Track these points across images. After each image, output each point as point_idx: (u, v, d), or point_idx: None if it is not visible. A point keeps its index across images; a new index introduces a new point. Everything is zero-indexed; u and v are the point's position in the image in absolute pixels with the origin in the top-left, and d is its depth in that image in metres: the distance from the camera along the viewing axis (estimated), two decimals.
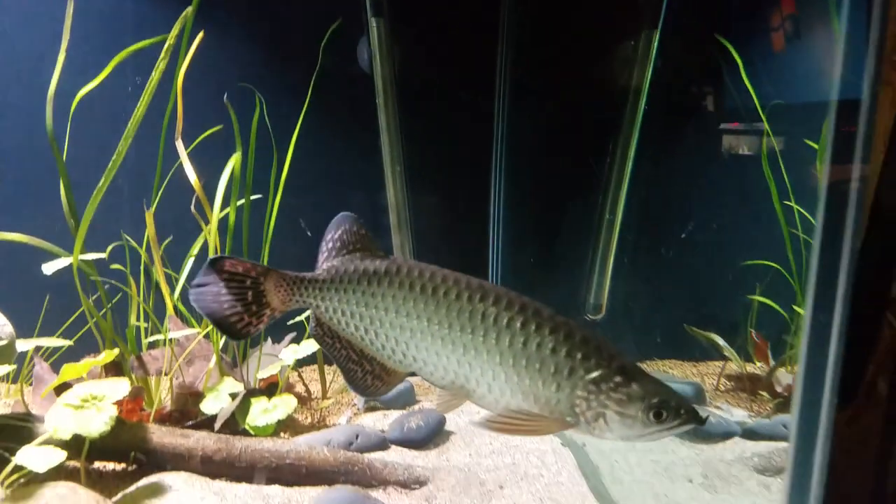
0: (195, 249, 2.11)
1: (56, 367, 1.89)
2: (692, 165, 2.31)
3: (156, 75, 1.63)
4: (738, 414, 2.10)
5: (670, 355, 2.56)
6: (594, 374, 1.03)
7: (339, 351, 1.17)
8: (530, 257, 2.45)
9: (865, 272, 1.07)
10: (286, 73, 2.20)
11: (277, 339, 2.22)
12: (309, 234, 2.44)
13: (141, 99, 1.62)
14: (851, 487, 1.12)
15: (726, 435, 1.94)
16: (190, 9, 1.73)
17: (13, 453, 1.45)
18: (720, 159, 2.28)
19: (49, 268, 1.68)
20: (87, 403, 1.49)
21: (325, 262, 1.18)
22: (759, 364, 2.30)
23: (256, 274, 1.14)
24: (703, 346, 2.31)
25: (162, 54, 1.64)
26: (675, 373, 2.48)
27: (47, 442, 1.48)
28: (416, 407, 2.21)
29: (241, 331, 1.15)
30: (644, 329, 2.44)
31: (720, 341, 2.25)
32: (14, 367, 1.60)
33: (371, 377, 1.17)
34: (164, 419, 1.83)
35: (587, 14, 2.32)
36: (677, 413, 1.03)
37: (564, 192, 2.46)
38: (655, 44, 2.23)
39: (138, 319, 1.92)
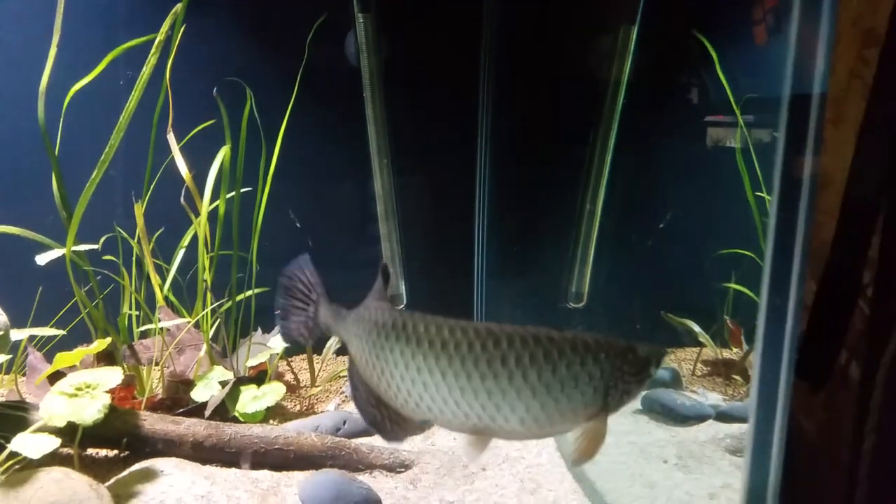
0: (186, 240, 2.16)
1: (49, 357, 1.94)
2: (670, 157, 2.37)
3: (146, 70, 1.67)
4: (712, 398, 2.17)
5: (649, 341, 2.63)
6: (614, 364, 1.08)
7: (358, 391, 1.18)
8: (514, 247, 2.50)
9: (837, 258, 1.11)
10: (275, 66, 2.23)
11: (267, 329, 2.28)
12: (298, 225, 2.49)
13: (132, 93, 1.66)
14: (807, 462, 1.18)
15: (700, 418, 2.01)
16: (180, 5, 1.76)
17: (8, 441, 1.50)
18: (697, 151, 2.34)
19: (42, 258, 1.72)
20: (80, 392, 1.54)
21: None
22: (734, 349, 2.37)
23: (318, 293, 1.19)
24: (680, 332, 2.38)
25: (153, 49, 1.67)
26: None
27: (41, 429, 1.53)
28: None
29: (293, 332, 1.19)
30: (624, 317, 2.51)
31: (696, 328, 2.32)
32: (9, 356, 1.64)
33: (390, 422, 1.18)
34: (155, 407, 1.88)
35: (568, 9, 2.37)
36: (660, 356, 1.12)
37: (547, 182, 2.51)
38: (633, 39, 2.28)
39: (130, 309, 1.96)
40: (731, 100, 2.14)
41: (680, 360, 2.51)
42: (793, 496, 1.17)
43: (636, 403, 2.13)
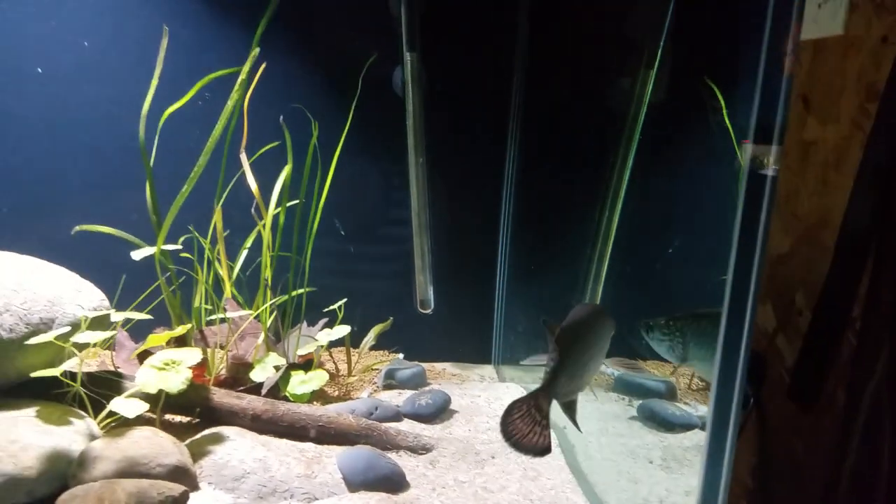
0: (249, 242, 2.50)
1: (130, 336, 2.31)
2: (680, 188, 2.65)
3: (230, 104, 2.01)
4: (702, 410, 2.43)
5: (654, 356, 2.89)
6: None
7: None
8: (533, 265, 2.80)
9: (830, 292, 1.21)
10: (333, 98, 2.56)
11: (312, 323, 2.61)
12: (342, 233, 2.82)
13: (218, 123, 2.00)
14: (791, 475, 1.32)
15: (687, 426, 2.28)
16: (257, 49, 2.10)
17: (107, 401, 1.86)
18: (705, 184, 2.60)
19: (137, 255, 2.07)
20: (167, 366, 1.88)
21: None
22: None
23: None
24: None
25: (236, 86, 2.02)
26: (657, 372, 2.82)
27: (133, 395, 1.88)
28: (427, 388, 2.58)
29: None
30: (630, 332, 2.78)
31: None
32: (112, 333, 2.00)
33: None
34: (220, 384, 2.23)
35: (594, 51, 2.67)
36: None
37: (566, 204, 2.81)
38: (651, 81, 2.56)
39: (202, 300, 2.31)
40: (734, 141, 2.40)
41: (678, 374, 2.77)
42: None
43: (632, 411, 2.41)
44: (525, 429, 1.41)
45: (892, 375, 1.07)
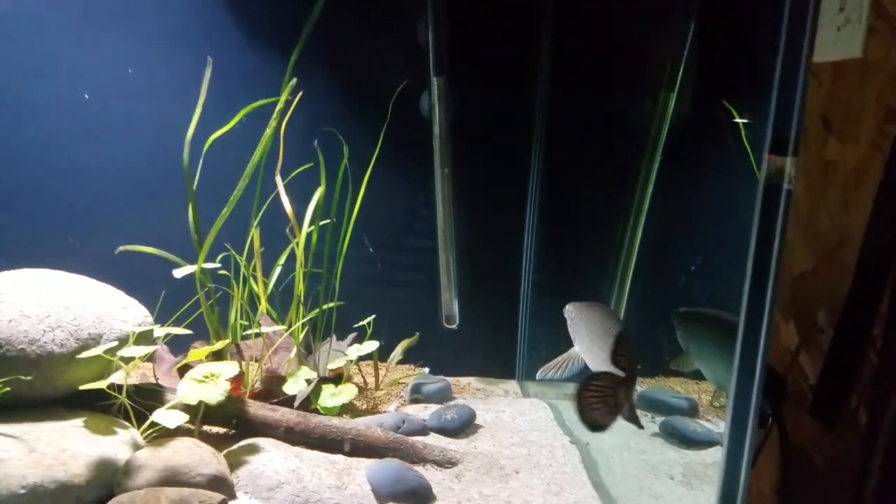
0: (282, 259, 2.60)
1: (170, 349, 2.42)
2: (701, 206, 2.70)
3: (268, 132, 2.12)
4: (723, 426, 2.46)
5: (678, 373, 2.93)
6: None
7: None
8: (557, 281, 2.87)
9: (850, 311, 1.20)
10: (363, 122, 2.66)
11: (342, 337, 2.70)
12: (371, 250, 2.91)
13: (256, 150, 2.11)
14: (814, 493, 1.33)
15: (709, 443, 2.31)
16: (294, 80, 2.21)
17: (150, 412, 1.96)
18: (725, 201, 2.64)
19: (179, 273, 2.18)
20: (206, 379, 1.98)
21: None
22: None
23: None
24: None
25: (273, 115, 2.13)
26: (679, 389, 2.85)
27: (174, 406, 1.98)
28: (452, 402, 2.65)
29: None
30: (654, 349, 2.83)
31: None
32: (154, 347, 2.10)
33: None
34: (255, 396, 2.32)
35: (616, 75, 2.73)
36: None
37: (589, 224, 2.88)
38: (672, 104, 2.62)
39: (238, 315, 2.41)
40: (752, 160, 2.44)
41: (700, 391, 2.81)
42: None
43: (655, 427, 2.45)
44: (596, 404, 1.50)
45: None
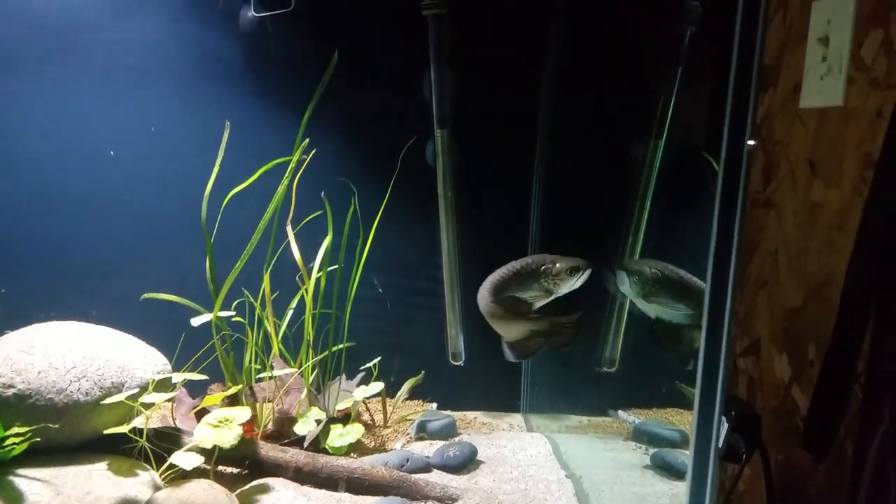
0: (293, 303, 2.74)
1: (188, 391, 2.56)
2: (696, 247, 2.79)
3: (281, 189, 2.28)
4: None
5: (673, 404, 3.00)
6: None
7: None
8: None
9: (836, 348, 1.25)
10: (372, 172, 2.81)
11: (351, 375, 2.83)
12: (380, 290, 3.05)
13: (270, 205, 2.28)
14: None
15: None
16: (307, 140, 2.37)
17: (168, 454, 2.10)
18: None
19: (197, 321, 2.34)
20: (221, 424, 2.12)
21: None
22: None
23: None
24: (691, 399, 2.74)
25: (286, 173, 2.30)
26: (675, 420, 2.93)
27: (191, 449, 2.12)
28: (456, 439, 2.75)
29: None
30: (650, 381, 2.91)
31: None
32: (174, 393, 2.25)
33: None
34: (267, 437, 2.46)
35: (610, 127, 2.86)
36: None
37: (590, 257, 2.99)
38: (661, 150, 2.73)
39: (251, 359, 2.56)
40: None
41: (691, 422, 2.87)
42: None
43: (646, 459, 2.53)
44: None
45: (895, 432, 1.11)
